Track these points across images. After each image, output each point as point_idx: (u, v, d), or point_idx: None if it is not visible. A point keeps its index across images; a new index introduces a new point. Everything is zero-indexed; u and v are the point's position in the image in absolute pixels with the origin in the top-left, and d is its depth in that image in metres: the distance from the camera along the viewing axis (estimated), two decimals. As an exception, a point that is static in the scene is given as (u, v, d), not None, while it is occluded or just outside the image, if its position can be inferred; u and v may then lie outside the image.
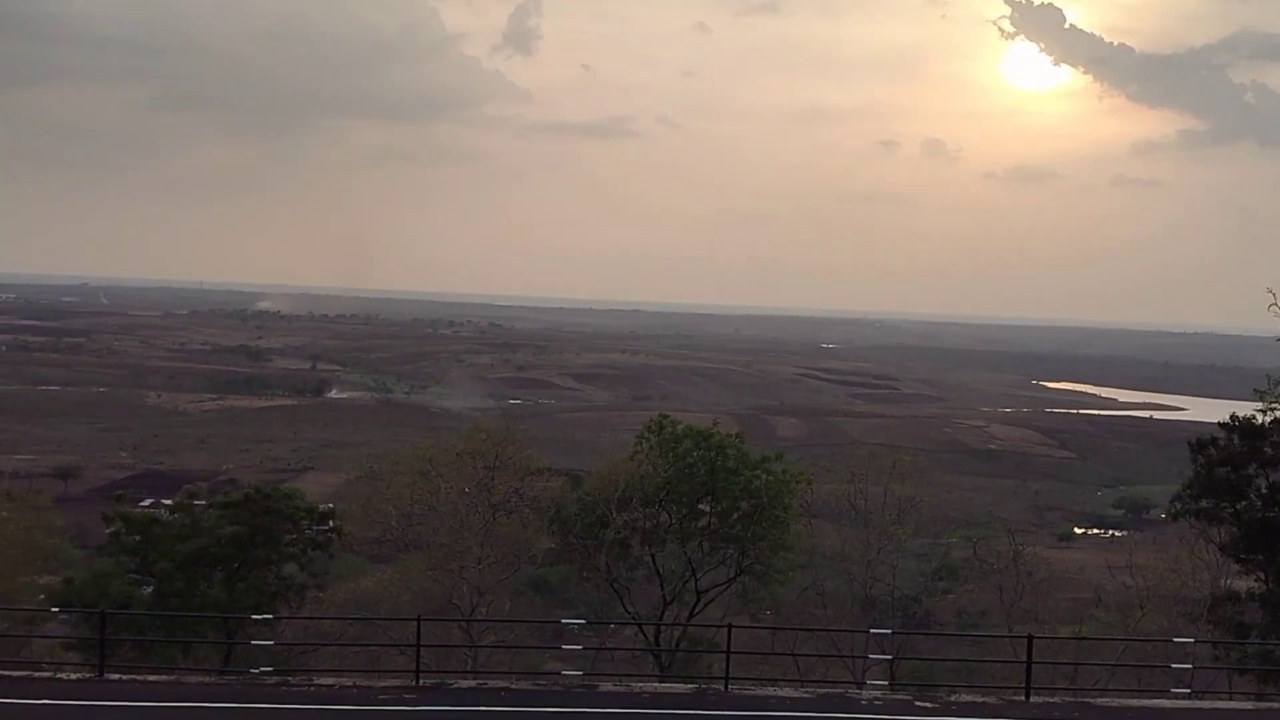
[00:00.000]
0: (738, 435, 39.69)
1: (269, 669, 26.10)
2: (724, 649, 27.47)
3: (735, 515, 37.46)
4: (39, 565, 45.46)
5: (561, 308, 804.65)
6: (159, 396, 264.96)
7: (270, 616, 34.15)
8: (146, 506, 70.75)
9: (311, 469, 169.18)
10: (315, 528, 39.68)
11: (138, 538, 37.80)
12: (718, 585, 38.55)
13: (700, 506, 37.96)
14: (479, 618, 35.43)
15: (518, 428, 42.43)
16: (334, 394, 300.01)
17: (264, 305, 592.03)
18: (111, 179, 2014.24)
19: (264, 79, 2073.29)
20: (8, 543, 42.94)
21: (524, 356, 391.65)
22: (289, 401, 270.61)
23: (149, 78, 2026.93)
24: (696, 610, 38.04)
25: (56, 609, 28.71)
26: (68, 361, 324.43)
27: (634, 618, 38.01)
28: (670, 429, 38.75)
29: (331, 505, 44.67)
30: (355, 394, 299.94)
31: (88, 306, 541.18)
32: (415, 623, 26.80)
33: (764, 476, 37.41)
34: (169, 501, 53.53)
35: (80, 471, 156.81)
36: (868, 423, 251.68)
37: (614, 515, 37.06)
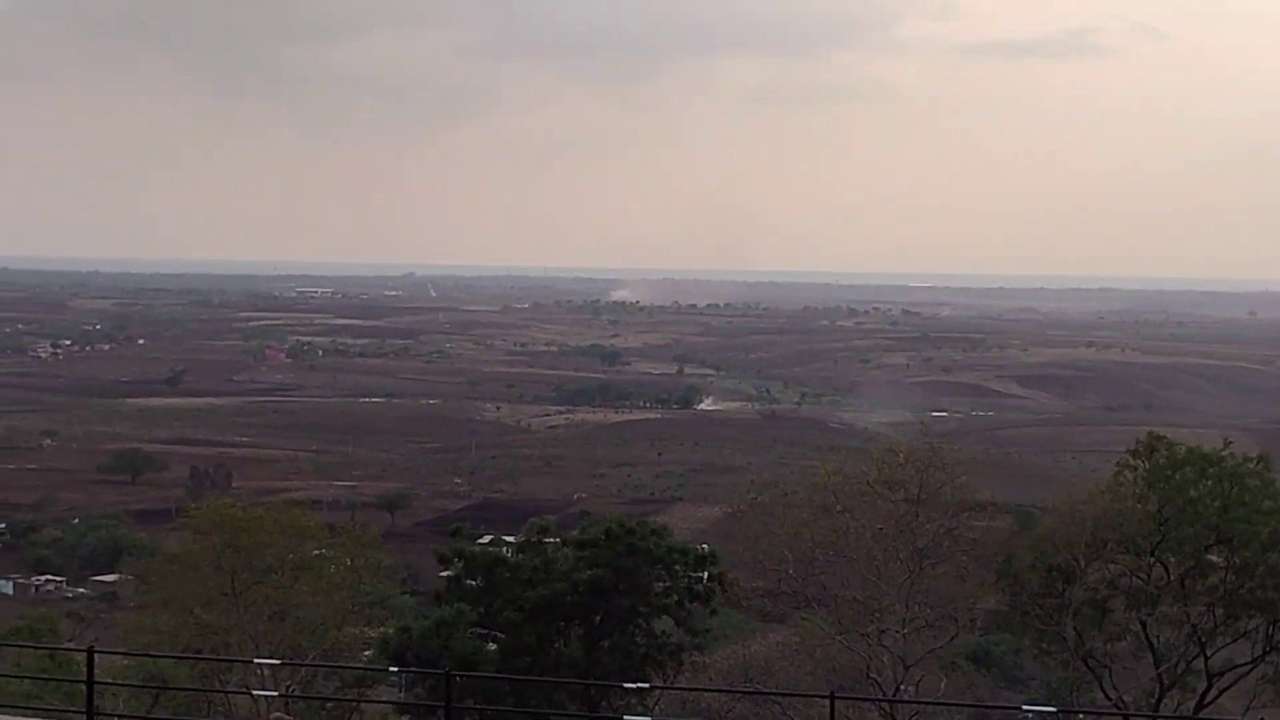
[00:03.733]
0: (1260, 459, 37.74)
1: (641, 750, 27.08)
2: (1250, 756, 25.95)
3: (1260, 569, 35.74)
4: (368, 613, 49.64)
5: (1001, 288, 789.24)
6: (498, 409, 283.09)
7: (645, 686, 35.44)
8: (485, 543, 75.49)
9: (679, 499, 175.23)
10: (691, 574, 40.94)
11: (480, 581, 40.44)
12: (1237, 666, 36.77)
13: (1209, 557, 36.46)
14: (905, 698, 35.32)
15: (947, 449, 41.93)
16: (706, 405, 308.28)
17: (620, 295, 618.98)
18: (433, 143, 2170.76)
19: (614, 14, 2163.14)
20: (332, 587, 47.16)
21: (950, 354, 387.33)
22: (651, 414, 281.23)
23: (478, 18, 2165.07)
24: (1207, 700, 36.37)
25: (395, 668, 31.28)
26: (392, 368, 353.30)
27: (1117, 706, 36.75)
28: (1167, 454, 37.29)
29: (707, 546, 45.95)
30: (732, 405, 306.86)
31: (414, 301, 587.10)
32: (826, 701, 27.03)
33: (1303, 517, 35.35)
34: (511, 538, 56.91)
35: (409, 501, 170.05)
36: None
37: (1085, 567, 36.00)
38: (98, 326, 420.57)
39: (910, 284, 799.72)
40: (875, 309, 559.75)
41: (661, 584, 39.91)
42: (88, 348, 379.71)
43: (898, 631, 35.84)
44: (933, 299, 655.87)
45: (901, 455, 39.05)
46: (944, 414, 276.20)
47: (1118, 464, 38.51)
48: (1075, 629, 36.33)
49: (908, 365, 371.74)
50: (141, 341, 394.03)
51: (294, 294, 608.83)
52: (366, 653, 46.85)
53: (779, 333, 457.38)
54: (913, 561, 36.32)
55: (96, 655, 24.50)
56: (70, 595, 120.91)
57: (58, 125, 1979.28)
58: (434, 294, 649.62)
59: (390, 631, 42.17)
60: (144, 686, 30.30)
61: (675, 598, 39.94)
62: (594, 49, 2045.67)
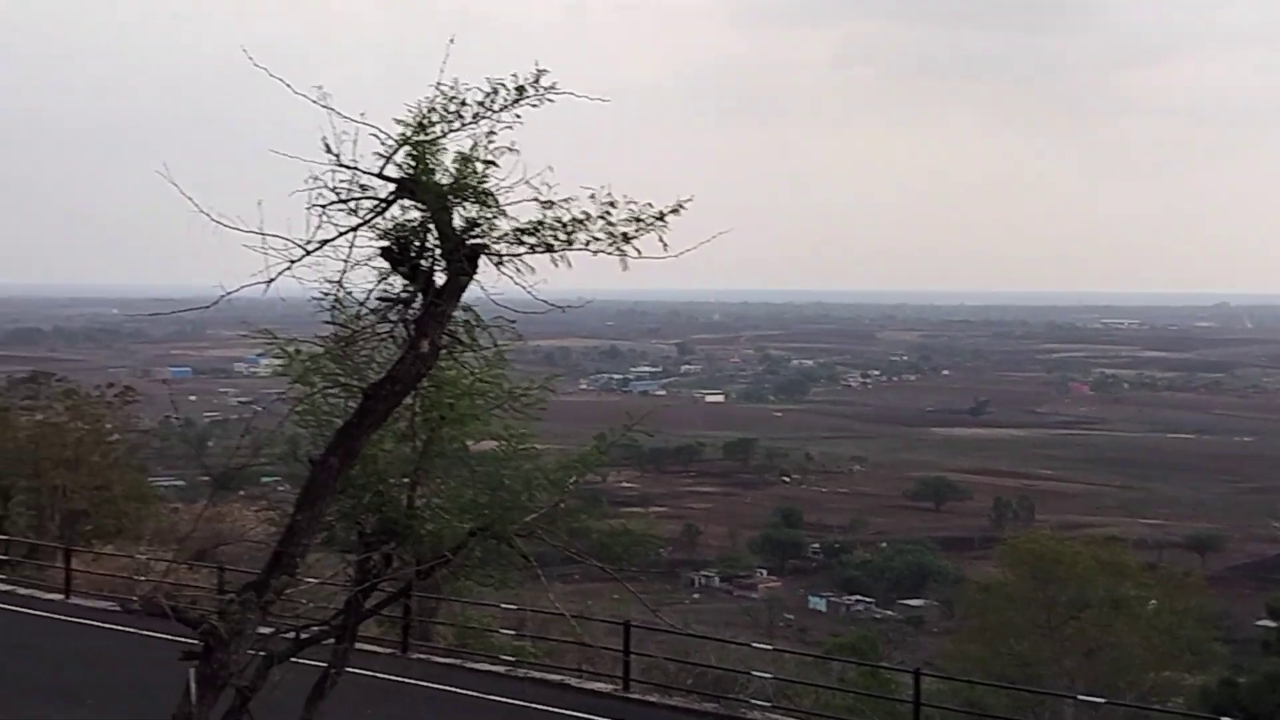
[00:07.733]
0: None
1: None
2: None
3: None
4: (1188, 660, 47.60)
5: None
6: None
7: None
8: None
9: None
10: None
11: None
12: None
13: None
14: None
15: None
16: None
17: None
18: (1243, 165, 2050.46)
19: None
20: (1150, 628, 45.76)
21: None
22: None
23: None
24: None
25: (1224, 719, 29.68)
26: (1202, 403, 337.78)
27: None
28: None
29: None
30: None
31: (1227, 332, 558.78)
32: None
33: None
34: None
35: (1220, 543, 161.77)
36: None
37: None
38: (904, 357, 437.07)
39: None
40: None
41: None
42: (894, 378, 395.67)
43: None
44: None
45: None
46: None
47: None
48: None
49: None
50: (946, 372, 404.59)
51: (1098, 325, 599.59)
52: (1177, 699, 44.81)
53: None
54: None
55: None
56: (878, 616, 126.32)
57: (867, 164, 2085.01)
58: (1249, 325, 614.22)
59: (1213, 681, 40.22)
60: (967, 712, 30.75)
61: None
62: None
